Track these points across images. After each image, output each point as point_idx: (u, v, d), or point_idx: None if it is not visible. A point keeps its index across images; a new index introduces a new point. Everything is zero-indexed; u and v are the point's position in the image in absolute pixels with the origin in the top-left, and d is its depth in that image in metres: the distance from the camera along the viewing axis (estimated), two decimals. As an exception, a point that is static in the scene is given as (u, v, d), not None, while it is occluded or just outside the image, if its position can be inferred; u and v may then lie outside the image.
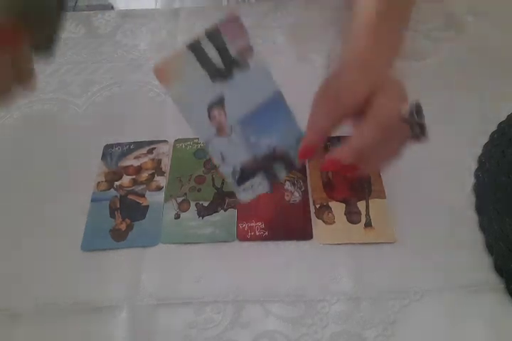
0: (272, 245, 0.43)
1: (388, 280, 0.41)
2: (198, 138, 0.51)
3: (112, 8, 0.79)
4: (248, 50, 0.34)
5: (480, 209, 0.44)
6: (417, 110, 0.36)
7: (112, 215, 0.46)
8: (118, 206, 0.46)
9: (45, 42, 0.39)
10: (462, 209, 0.45)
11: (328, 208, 0.45)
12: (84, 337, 0.39)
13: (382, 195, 0.46)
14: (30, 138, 0.53)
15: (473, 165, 0.47)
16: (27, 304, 0.41)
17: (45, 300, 0.41)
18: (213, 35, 0.32)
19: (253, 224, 0.44)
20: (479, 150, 0.48)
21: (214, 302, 0.40)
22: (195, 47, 0.32)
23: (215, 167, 0.49)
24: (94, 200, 0.47)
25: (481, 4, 0.63)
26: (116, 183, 0.48)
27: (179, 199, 0.47)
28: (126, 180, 0.48)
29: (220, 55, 0.33)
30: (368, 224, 0.44)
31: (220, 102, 0.35)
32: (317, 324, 0.39)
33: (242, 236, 0.44)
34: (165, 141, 0.51)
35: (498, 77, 0.55)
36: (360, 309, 0.39)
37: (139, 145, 0.51)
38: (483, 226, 0.43)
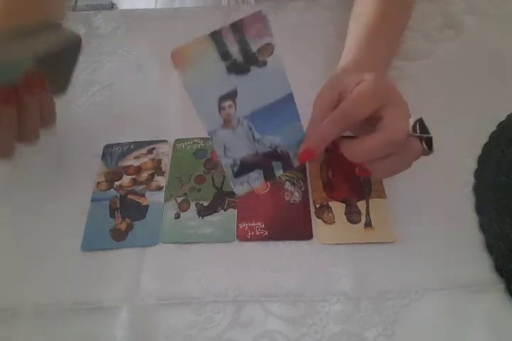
0: (272, 245, 0.43)
1: (388, 280, 0.41)
2: (198, 138, 0.51)
3: (113, 7, 0.79)
4: (269, 48, 0.34)
5: (480, 209, 0.44)
6: (421, 125, 0.36)
7: (112, 215, 0.46)
8: (118, 206, 0.46)
9: (62, 84, 0.46)
10: (462, 209, 0.45)
11: (328, 208, 0.45)
12: (84, 337, 0.39)
13: (382, 194, 0.46)
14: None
15: (473, 165, 0.47)
16: (27, 304, 0.41)
17: (45, 300, 0.41)
18: (237, 28, 0.32)
19: (253, 224, 0.44)
20: (479, 150, 0.48)
21: (214, 302, 0.40)
22: (216, 37, 0.32)
23: (215, 167, 0.49)
24: (94, 200, 0.47)
25: (481, 4, 0.64)
26: (116, 183, 0.48)
27: (179, 199, 0.47)
28: (126, 180, 0.48)
29: (240, 48, 0.33)
30: (368, 224, 0.44)
31: (232, 95, 0.35)
32: (317, 324, 0.39)
33: (242, 236, 0.44)
34: (165, 141, 0.51)
35: (498, 77, 0.55)
36: (360, 309, 0.39)
37: (139, 145, 0.51)
38: (483, 226, 0.43)
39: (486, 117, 0.51)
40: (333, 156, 0.48)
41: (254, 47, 0.33)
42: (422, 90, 0.54)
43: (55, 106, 0.46)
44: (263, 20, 0.33)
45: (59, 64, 0.44)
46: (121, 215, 0.46)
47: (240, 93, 0.35)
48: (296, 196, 0.46)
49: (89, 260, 0.43)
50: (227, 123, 0.36)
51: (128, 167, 0.49)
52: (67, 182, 0.48)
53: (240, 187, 0.40)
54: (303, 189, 0.47)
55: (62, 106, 0.55)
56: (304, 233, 0.44)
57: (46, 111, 0.44)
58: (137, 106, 0.55)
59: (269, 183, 0.47)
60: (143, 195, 0.47)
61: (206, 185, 0.47)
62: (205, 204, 0.46)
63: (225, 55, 0.33)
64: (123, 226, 0.45)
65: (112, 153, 0.51)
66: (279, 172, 0.41)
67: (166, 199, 0.47)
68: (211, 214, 0.45)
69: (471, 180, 0.46)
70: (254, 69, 0.34)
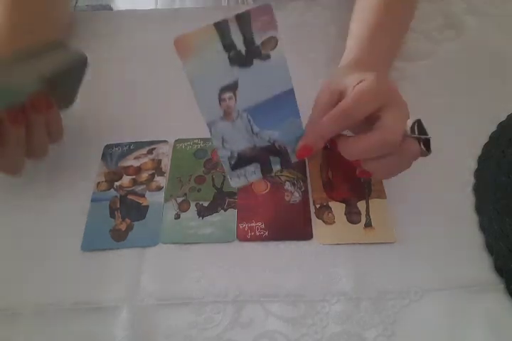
0: (272, 245, 0.43)
1: (388, 280, 0.41)
2: (198, 139, 0.51)
3: (111, 9, 0.79)
4: (273, 41, 0.34)
5: (480, 209, 0.44)
6: (419, 126, 0.37)
7: (112, 215, 0.46)
8: (118, 206, 0.46)
9: (68, 101, 0.47)
10: (462, 209, 0.45)
11: (328, 208, 0.45)
12: (84, 337, 0.39)
13: (382, 195, 0.46)
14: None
15: (473, 165, 0.47)
16: (27, 304, 0.41)
17: (45, 300, 0.41)
18: (242, 20, 0.32)
19: (253, 224, 0.44)
20: (479, 150, 0.48)
21: (214, 302, 0.40)
22: (221, 27, 0.32)
23: (215, 167, 0.49)
24: (94, 200, 0.47)
25: (482, 4, 0.63)
26: (116, 183, 0.48)
27: (179, 200, 0.47)
28: (126, 180, 0.48)
29: (244, 40, 0.33)
30: (368, 224, 0.44)
31: (233, 87, 0.34)
32: (317, 324, 0.39)
33: (242, 236, 0.44)
34: (165, 141, 0.51)
35: (498, 77, 0.55)
36: (360, 309, 0.39)
37: (139, 145, 0.51)
38: (483, 226, 0.43)
39: (487, 117, 0.51)
40: (332, 156, 0.48)
41: (258, 40, 0.33)
42: (423, 90, 0.54)
43: (62, 122, 0.46)
44: (270, 14, 0.32)
45: (65, 83, 0.45)
46: (121, 215, 0.46)
47: (241, 85, 0.35)
48: (296, 196, 0.46)
49: (89, 260, 0.43)
50: (226, 115, 0.36)
51: (128, 167, 0.49)
52: (67, 182, 0.48)
53: (236, 180, 0.40)
54: (303, 189, 0.47)
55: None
56: (304, 233, 0.44)
57: (53, 127, 0.45)
58: (137, 106, 0.55)
59: (269, 183, 0.47)
60: (143, 195, 0.47)
61: (206, 185, 0.47)
62: (205, 204, 0.46)
63: (228, 46, 0.33)
64: (123, 227, 0.45)
65: (112, 153, 0.51)
66: (276, 167, 0.41)
67: (166, 200, 0.47)
68: (211, 214, 0.45)
69: (471, 180, 0.46)
70: (256, 62, 0.34)
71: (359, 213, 0.45)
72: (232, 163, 0.39)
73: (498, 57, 0.57)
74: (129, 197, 0.47)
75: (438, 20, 0.62)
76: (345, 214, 0.45)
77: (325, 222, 0.44)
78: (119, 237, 0.44)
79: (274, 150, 0.39)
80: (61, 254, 0.44)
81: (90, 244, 0.44)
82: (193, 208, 0.46)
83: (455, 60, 0.57)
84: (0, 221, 0.46)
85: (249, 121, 0.37)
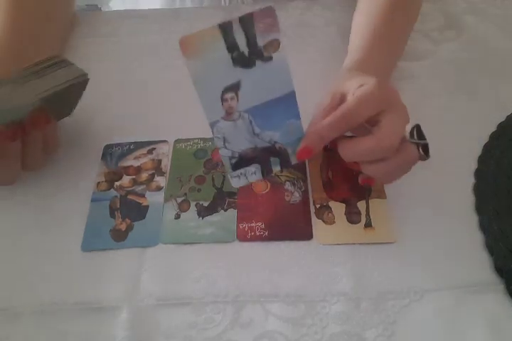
0: (272, 245, 0.43)
1: (388, 280, 0.41)
2: (198, 139, 0.51)
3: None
4: (275, 44, 0.34)
5: (480, 209, 0.44)
6: (418, 131, 0.37)
7: (112, 215, 0.46)
8: (118, 206, 0.46)
9: (67, 112, 0.49)
10: (462, 209, 0.45)
11: (328, 208, 0.45)
12: (84, 337, 0.39)
13: (382, 195, 0.46)
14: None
15: (473, 165, 0.47)
16: (27, 304, 0.41)
17: (45, 300, 0.41)
18: (246, 22, 0.32)
19: (253, 224, 0.44)
20: (479, 150, 0.48)
21: (214, 302, 0.40)
22: (225, 28, 0.32)
23: (215, 167, 0.49)
24: (94, 200, 0.47)
25: (481, 4, 0.63)
26: (116, 183, 0.48)
27: (179, 200, 0.47)
28: (126, 180, 0.48)
29: (247, 42, 0.33)
30: (368, 224, 0.44)
31: (235, 87, 0.35)
32: (317, 324, 0.39)
33: (242, 237, 0.44)
34: (165, 141, 0.51)
35: (498, 77, 0.55)
36: (360, 309, 0.39)
37: (139, 145, 0.51)
38: (483, 226, 0.43)
39: (487, 117, 0.51)
40: (333, 156, 0.48)
41: (260, 42, 0.33)
42: (423, 90, 0.54)
43: (58, 135, 0.47)
44: (272, 16, 0.33)
45: (65, 99, 0.46)
46: (121, 215, 0.46)
47: (244, 86, 0.35)
48: (296, 196, 0.46)
49: (89, 260, 0.43)
50: (228, 115, 0.36)
51: (128, 167, 0.49)
52: (68, 182, 0.48)
53: (236, 180, 0.40)
54: (303, 189, 0.47)
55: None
56: (304, 233, 0.44)
57: (50, 140, 0.46)
58: (137, 106, 0.55)
59: (269, 183, 0.47)
60: (143, 195, 0.47)
61: (206, 185, 0.47)
62: (205, 204, 0.46)
63: (231, 47, 0.33)
64: (123, 227, 0.45)
65: (112, 153, 0.51)
66: (276, 169, 0.41)
67: (166, 200, 0.47)
68: (211, 214, 0.45)
69: (471, 180, 0.46)
70: (259, 64, 0.34)
71: (359, 213, 0.45)
72: (233, 162, 0.39)
73: (498, 57, 0.57)
74: (129, 197, 0.47)
75: (438, 20, 0.62)
76: (345, 214, 0.45)
77: (325, 222, 0.44)
78: (119, 237, 0.44)
79: (274, 151, 0.40)
80: (61, 254, 0.44)
81: (90, 244, 0.44)
82: (193, 208, 0.46)
83: (455, 60, 0.57)
84: (0, 221, 0.46)
85: (250, 122, 0.37)
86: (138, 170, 0.49)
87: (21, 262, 0.43)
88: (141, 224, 0.45)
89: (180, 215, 0.45)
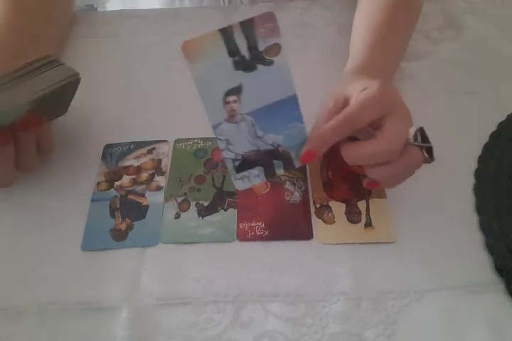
0: (272, 245, 0.43)
1: (388, 280, 0.41)
2: (198, 138, 0.51)
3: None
4: (276, 48, 0.34)
5: (480, 209, 0.44)
6: (422, 134, 0.37)
7: (112, 215, 0.46)
8: (118, 206, 0.46)
9: (60, 112, 0.49)
10: (462, 209, 0.45)
11: (328, 208, 0.45)
12: (84, 337, 0.39)
13: (382, 194, 0.46)
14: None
15: (473, 165, 0.47)
16: (27, 304, 0.41)
17: (45, 300, 0.41)
18: (247, 26, 0.33)
19: (253, 224, 0.44)
20: (479, 150, 0.48)
21: (214, 302, 0.40)
22: (226, 33, 0.33)
23: (215, 167, 0.49)
24: (94, 200, 0.47)
25: (481, 4, 0.63)
26: (117, 183, 0.48)
27: (179, 199, 0.47)
28: (126, 180, 0.48)
29: (248, 46, 0.34)
30: (368, 224, 0.44)
31: (237, 90, 0.35)
32: (317, 324, 0.39)
33: (242, 236, 0.44)
34: (165, 141, 0.51)
35: (498, 77, 0.55)
36: (360, 309, 0.39)
37: (139, 145, 0.51)
38: (483, 226, 0.43)
39: (487, 117, 0.51)
40: (333, 156, 0.48)
41: (261, 46, 0.34)
42: (423, 90, 0.54)
43: (51, 136, 0.46)
44: (273, 21, 0.33)
45: (57, 99, 0.45)
46: (121, 215, 0.46)
47: (246, 89, 0.35)
48: (296, 196, 0.46)
49: (89, 260, 0.43)
50: (231, 117, 0.37)
51: (128, 167, 0.49)
52: (68, 182, 0.48)
53: (240, 182, 0.41)
54: (303, 189, 0.47)
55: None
56: (304, 233, 0.44)
57: (44, 142, 0.45)
58: (137, 106, 0.55)
59: (269, 183, 0.47)
60: (143, 195, 0.47)
61: (206, 185, 0.47)
62: (205, 204, 0.46)
63: (233, 51, 0.33)
64: (123, 226, 0.45)
65: (112, 153, 0.51)
66: (279, 171, 0.41)
67: (166, 200, 0.47)
68: (211, 214, 0.45)
69: (471, 180, 0.46)
70: (260, 68, 0.35)
71: (359, 213, 0.45)
72: (236, 165, 0.39)
73: (497, 57, 0.57)
74: (129, 196, 0.47)
75: (438, 20, 0.62)
76: (345, 213, 0.45)
77: (325, 222, 0.44)
78: (119, 237, 0.44)
79: (277, 154, 0.40)
80: (61, 254, 0.44)
81: (90, 244, 0.44)
82: (193, 208, 0.46)
83: (455, 60, 0.57)
84: (0, 221, 0.46)
85: (253, 124, 0.37)
86: (138, 169, 0.49)
87: (21, 262, 0.43)
88: (141, 223, 0.45)
89: (180, 215, 0.45)
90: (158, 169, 0.49)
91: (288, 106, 0.37)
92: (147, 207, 0.46)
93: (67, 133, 0.53)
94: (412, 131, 0.37)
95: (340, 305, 0.39)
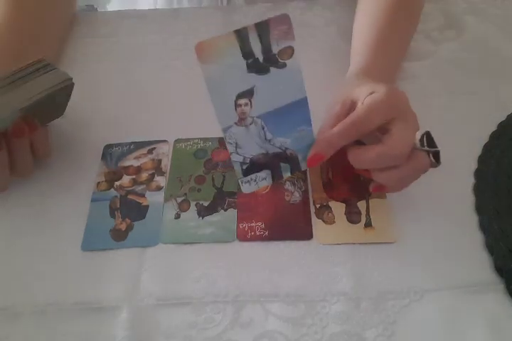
0: (272, 245, 0.43)
1: (388, 280, 0.41)
2: (198, 139, 0.51)
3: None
4: (290, 51, 0.34)
5: (480, 209, 0.44)
6: (428, 138, 0.37)
7: (112, 215, 0.46)
8: (118, 206, 0.46)
9: (56, 115, 0.48)
10: (462, 209, 0.45)
11: (328, 208, 0.45)
12: (84, 337, 0.39)
13: (382, 195, 0.46)
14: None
15: (473, 165, 0.47)
16: (27, 304, 0.41)
17: (45, 300, 0.41)
18: (261, 28, 0.32)
19: (253, 224, 0.44)
20: (479, 150, 0.48)
21: (214, 302, 0.40)
22: (241, 35, 0.32)
23: (215, 167, 0.49)
24: (94, 200, 0.47)
25: (481, 4, 0.64)
26: (117, 183, 0.48)
27: (179, 199, 0.47)
28: (126, 180, 0.48)
29: (262, 48, 0.33)
30: (368, 224, 0.44)
31: (249, 93, 0.35)
32: (317, 324, 0.39)
33: (242, 236, 0.44)
34: (165, 141, 0.51)
35: (498, 77, 0.55)
36: (360, 309, 0.39)
37: (139, 145, 0.51)
38: (483, 226, 0.43)
39: (487, 117, 0.51)
40: (333, 156, 0.48)
41: (275, 49, 0.34)
42: (423, 90, 0.54)
43: (48, 140, 0.46)
44: (288, 23, 0.33)
45: (52, 104, 0.45)
46: (121, 215, 0.46)
47: (257, 92, 0.35)
48: (296, 196, 0.46)
49: (89, 260, 0.43)
50: (241, 120, 0.36)
51: (128, 167, 0.49)
52: (68, 182, 0.48)
53: (247, 186, 0.41)
54: (303, 189, 0.47)
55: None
56: (304, 233, 0.44)
57: (39, 147, 0.45)
58: (137, 106, 0.55)
59: (269, 183, 0.47)
60: (143, 195, 0.47)
61: (206, 185, 0.47)
62: (205, 204, 0.46)
63: (247, 53, 0.33)
64: (123, 227, 0.45)
65: (111, 153, 0.51)
66: (286, 174, 0.41)
67: (166, 200, 0.47)
68: (211, 214, 0.45)
69: (471, 180, 0.46)
70: (273, 70, 0.35)
71: (359, 213, 0.45)
72: (244, 168, 0.39)
73: (498, 57, 0.57)
74: (129, 197, 0.47)
75: (438, 20, 0.62)
76: (345, 214, 0.45)
77: (325, 222, 0.44)
78: (119, 237, 0.44)
79: (284, 156, 0.40)
80: (61, 254, 0.44)
81: (90, 244, 0.44)
82: (193, 208, 0.46)
83: (455, 60, 0.57)
84: (0, 221, 0.46)
85: (262, 127, 0.37)
86: (138, 170, 0.49)
87: (20, 262, 0.43)
88: (141, 223, 0.45)
89: (180, 215, 0.45)
90: (158, 169, 0.49)
91: (298, 110, 0.37)
92: (147, 207, 0.46)
93: (67, 133, 0.53)
94: (419, 134, 0.37)
95: (340, 305, 0.39)
